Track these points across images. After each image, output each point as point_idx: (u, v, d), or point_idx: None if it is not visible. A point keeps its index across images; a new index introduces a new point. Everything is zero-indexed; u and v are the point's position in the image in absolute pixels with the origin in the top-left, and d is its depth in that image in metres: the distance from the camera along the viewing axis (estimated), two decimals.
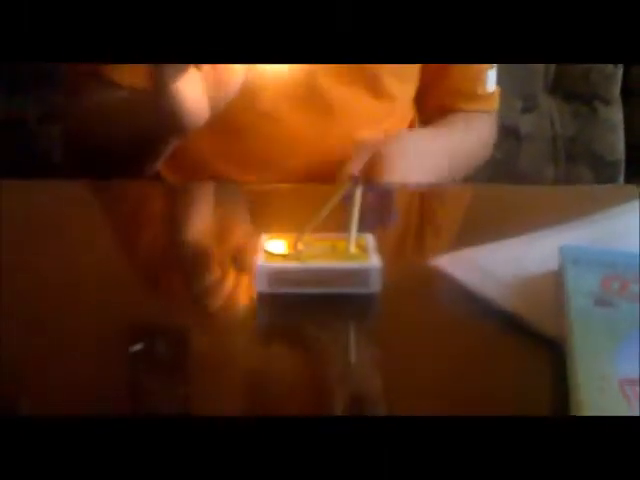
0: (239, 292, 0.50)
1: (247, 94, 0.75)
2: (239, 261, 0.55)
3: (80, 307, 0.49)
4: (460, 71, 0.90)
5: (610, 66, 1.22)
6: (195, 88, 0.64)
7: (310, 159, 0.82)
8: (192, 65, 0.61)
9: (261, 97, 0.80)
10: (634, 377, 0.36)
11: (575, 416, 0.35)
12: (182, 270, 0.55)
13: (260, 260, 0.50)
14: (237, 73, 0.64)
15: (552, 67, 1.23)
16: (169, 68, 0.63)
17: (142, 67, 0.80)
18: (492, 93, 0.94)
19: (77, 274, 0.54)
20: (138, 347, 0.44)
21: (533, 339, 0.44)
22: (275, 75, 0.62)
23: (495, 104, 0.95)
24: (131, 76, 0.82)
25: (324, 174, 0.79)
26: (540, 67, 1.23)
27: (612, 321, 0.42)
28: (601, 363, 0.38)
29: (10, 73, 1.12)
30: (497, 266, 0.51)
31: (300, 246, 0.51)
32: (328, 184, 0.69)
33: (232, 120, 0.80)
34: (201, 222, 0.63)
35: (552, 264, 0.49)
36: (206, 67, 0.62)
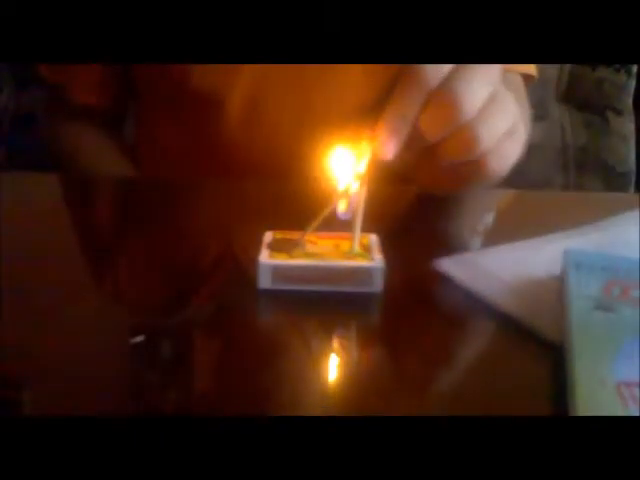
0: (241, 289, 0.50)
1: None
2: (242, 258, 0.55)
3: (80, 303, 0.49)
4: None
5: (623, 77, 1.21)
6: None
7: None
8: None
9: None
10: (632, 380, 0.36)
11: (573, 416, 0.35)
12: (184, 267, 0.55)
13: (263, 257, 0.50)
14: None
15: (565, 76, 1.23)
16: None
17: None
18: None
19: (78, 268, 0.54)
20: (139, 339, 0.44)
21: (534, 341, 0.44)
22: None
23: (533, 68, 0.84)
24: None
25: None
26: (553, 76, 1.22)
27: (612, 326, 0.42)
28: (600, 366, 0.38)
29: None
30: (500, 269, 0.51)
31: (304, 244, 0.51)
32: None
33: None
34: (204, 219, 0.64)
35: (556, 268, 0.49)
36: None
